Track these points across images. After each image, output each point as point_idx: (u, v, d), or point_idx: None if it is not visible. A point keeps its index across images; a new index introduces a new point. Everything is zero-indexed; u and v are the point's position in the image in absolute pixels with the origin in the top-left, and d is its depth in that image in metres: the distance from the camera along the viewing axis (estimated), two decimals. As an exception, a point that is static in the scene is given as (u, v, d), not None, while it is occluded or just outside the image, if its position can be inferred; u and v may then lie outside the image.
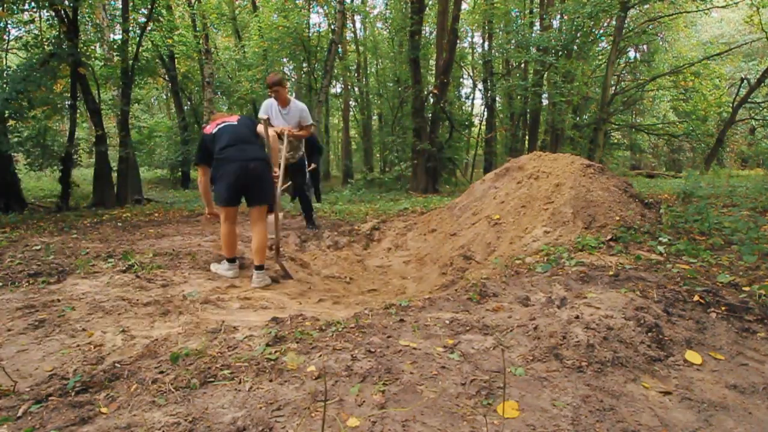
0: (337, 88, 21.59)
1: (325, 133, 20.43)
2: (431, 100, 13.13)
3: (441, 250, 4.56)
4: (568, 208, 3.70)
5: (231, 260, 3.46)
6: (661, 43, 18.36)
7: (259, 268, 3.36)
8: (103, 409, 1.52)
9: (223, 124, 3.45)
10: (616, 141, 21.06)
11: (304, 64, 17.41)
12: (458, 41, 14.71)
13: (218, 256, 3.79)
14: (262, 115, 4.69)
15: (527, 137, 18.67)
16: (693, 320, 2.13)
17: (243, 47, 16.83)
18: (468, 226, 4.56)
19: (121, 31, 9.64)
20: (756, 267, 2.82)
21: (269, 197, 3.52)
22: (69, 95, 8.60)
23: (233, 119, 3.53)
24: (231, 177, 3.27)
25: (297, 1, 16.35)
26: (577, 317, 2.05)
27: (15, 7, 8.01)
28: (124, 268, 3.34)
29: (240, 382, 1.64)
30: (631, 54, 19.67)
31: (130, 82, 9.60)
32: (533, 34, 14.22)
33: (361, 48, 20.53)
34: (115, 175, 9.56)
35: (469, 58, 20.82)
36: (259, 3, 16.96)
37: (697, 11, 14.91)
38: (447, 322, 2.16)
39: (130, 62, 9.27)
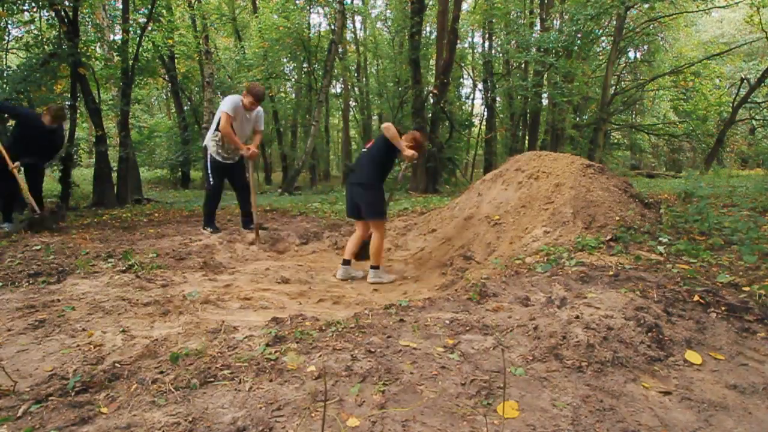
0: (337, 88, 21.60)
1: (325, 133, 20.43)
2: (431, 100, 13.12)
3: (441, 250, 4.55)
4: (568, 208, 3.70)
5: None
6: (661, 43, 18.34)
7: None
8: (103, 409, 1.52)
9: None
10: (616, 141, 21.05)
11: (304, 64, 17.42)
12: (458, 41, 14.69)
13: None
14: (228, 111, 4.74)
15: (527, 137, 18.65)
16: (693, 320, 2.13)
17: (243, 48, 16.83)
18: (468, 226, 4.55)
19: (121, 32, 9.64)
20: (756, 267, 2.82)
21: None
22: (69, 95, 8.60)
23: None
24: None
25: (297, 2, 16.35)
26: (577, 317, 2.05)
27: (15, 7, 8.01)
28: (124, 268, 3.35)
29: (240, 382, 1.64)
30: (631, 54, 19.67)
31: (130, 82, 9.59)
32: (534, 35, 14.21)
33: (361, 48, 20.53)
34: (115, 175, 9.56)
35: (469, 58, 20.80)
36: (260, 3, 16.96)
37: (697, 11, 14.92)
38: (447, 322, 2.16)
39: (130, 62, 9.27)
